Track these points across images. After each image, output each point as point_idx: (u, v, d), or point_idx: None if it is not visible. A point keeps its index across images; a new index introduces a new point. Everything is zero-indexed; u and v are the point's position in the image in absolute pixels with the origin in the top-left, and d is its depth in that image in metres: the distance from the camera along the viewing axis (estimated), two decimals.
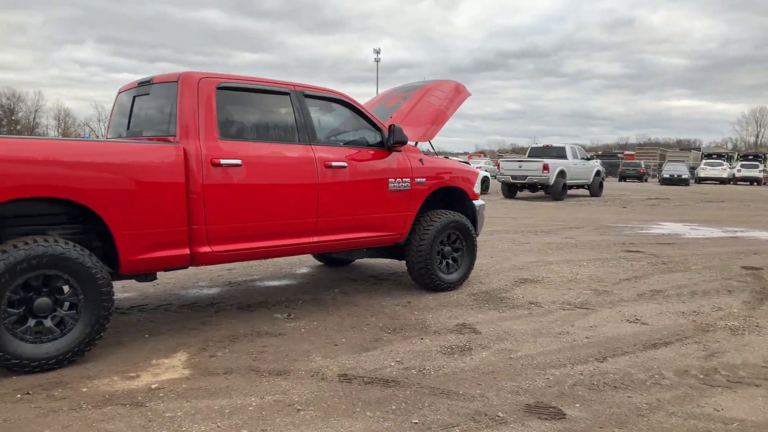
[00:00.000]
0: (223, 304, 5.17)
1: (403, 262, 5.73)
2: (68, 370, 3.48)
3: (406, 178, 5.30)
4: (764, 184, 39.30)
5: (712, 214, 15.45)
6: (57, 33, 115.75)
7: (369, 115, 5.22)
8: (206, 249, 4.11)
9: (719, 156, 48.84)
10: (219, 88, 4.26)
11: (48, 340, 3.47)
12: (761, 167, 40.79)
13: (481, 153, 77.20)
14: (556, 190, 20.06)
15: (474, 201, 6.04)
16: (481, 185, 25.25)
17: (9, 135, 6.27)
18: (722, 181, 39.66)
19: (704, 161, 44.04)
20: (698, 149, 74.81)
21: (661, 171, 40.37)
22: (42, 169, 3.42)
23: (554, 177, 19.83)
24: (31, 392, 3.16)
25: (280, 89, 4.65)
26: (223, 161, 4.11)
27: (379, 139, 5.23)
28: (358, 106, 5.18)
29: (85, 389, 3.22)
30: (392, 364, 3.70)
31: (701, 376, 3.56)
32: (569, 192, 21.76)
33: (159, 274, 6.15)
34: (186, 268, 4.18)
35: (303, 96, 4.75)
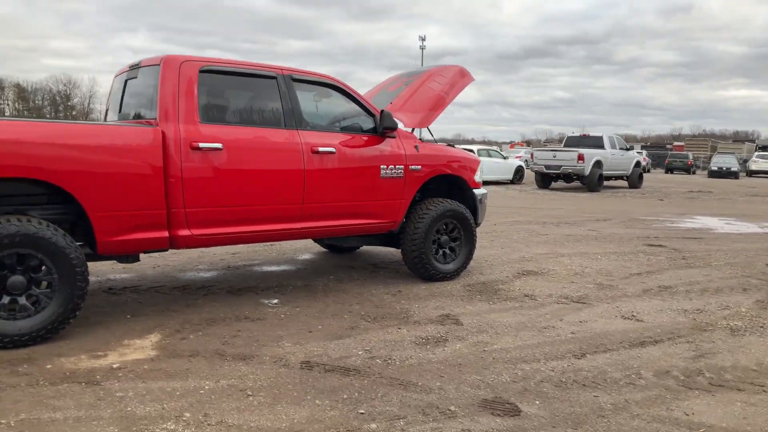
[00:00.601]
0: (215, 287, 5.20)
1: (400, 250, 5.64)
2: (42, 347, 3.56)
3: (399, 164, 5.19)
4: None
5: (753, 209, 14.72)
6: (111, 21, 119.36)
7: (362, 101, 5.13)
8: (186, 232, 4.13)
9: None
10: (202, 72, 4.25)
11: (22, 318, 3.55)
12: None
13: (525, 143, 75.80)
14: (591, 181, 19.48)
15: (475, 190, 5.88)
16: (515, 175, 24.45)
17: None
18: None
19: (756, 153, 41.99)
20: (753, 141, 71.35)
21: (709, 163, 38.75)
22: (17, 149, 3.48)
23: (590, 167, 19.26)
24: None
25: (267, 73, 4.60)
26: (202, 145, 4.11)
27: (372, 125, 5.13)
28: (350, 91, 5.09)
29: (49, 366, 3.29)
30: (360, 352, 3.64)
31: (682, 378, 3.37)
32: (606, 183, 21.11)
33: (162, 256, 6.35)
34: (166, 250, 4.21)
35: (291, 80, 4.70)
